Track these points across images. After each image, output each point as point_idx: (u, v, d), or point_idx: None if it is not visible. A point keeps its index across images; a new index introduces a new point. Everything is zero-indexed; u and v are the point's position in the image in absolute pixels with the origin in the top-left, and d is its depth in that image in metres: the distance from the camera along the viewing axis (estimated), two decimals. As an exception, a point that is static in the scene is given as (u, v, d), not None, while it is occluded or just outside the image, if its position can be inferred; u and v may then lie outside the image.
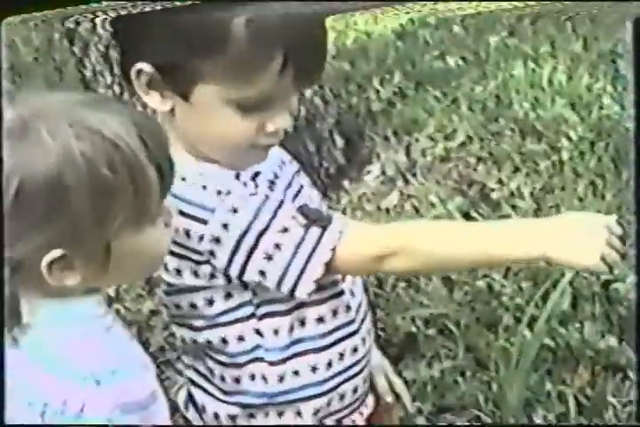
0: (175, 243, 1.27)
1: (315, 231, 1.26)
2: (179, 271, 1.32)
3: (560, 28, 3.89)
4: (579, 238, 1.17)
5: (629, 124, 3.53)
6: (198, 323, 1.37)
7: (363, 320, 1.43)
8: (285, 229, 1.25)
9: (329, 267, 1.26)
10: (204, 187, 1.26)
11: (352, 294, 1.41)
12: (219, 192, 1.26)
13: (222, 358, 1.38)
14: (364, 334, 1.43)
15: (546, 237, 1.19)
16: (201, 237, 1.27)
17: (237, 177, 1.30)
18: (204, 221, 1.26)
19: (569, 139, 3.26)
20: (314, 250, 1.26)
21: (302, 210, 1.28)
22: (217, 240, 1.26)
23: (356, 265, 1.28)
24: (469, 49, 3.94)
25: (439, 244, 1.26)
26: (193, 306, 1.35)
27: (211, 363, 1.40)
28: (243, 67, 1.20)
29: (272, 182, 1.35)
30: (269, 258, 1.26)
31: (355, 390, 1.44)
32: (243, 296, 1.34)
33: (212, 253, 1.27)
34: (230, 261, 1.27)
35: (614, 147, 3.17)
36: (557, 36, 3.92)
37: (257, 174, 1.34)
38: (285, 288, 1.27)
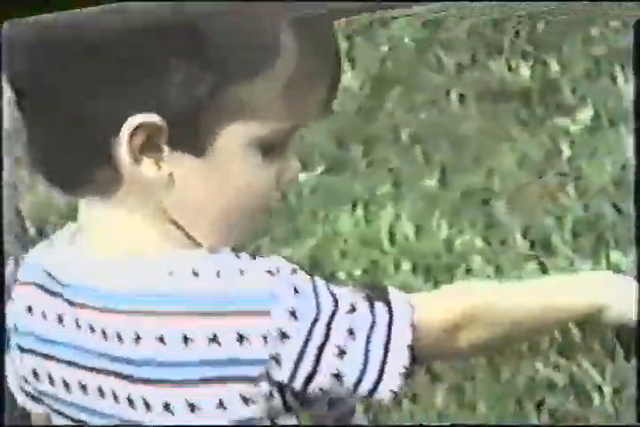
0: (210, 364, 1.14)
1: (380, 306, 1.15)
2: (222, 404, 1.16)
3: (401, 152, 3.64)
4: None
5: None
6: None
7: None
8: (353, 309, 1.14)
9: (413, 350, 1.18)
10: (242, 272, 1.13)
11: None
12: (269, 272, 1.14)
13: None
14: None
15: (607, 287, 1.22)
16: (264, 338, 1.12)
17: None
18: (266, 313, 1.13)
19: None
20: (389, 330, 1.14)
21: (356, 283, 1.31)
22: (284, 336, 1.13)
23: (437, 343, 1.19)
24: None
25: (517, 304, 1.20)
26: None
27: None
28: (298, 83, 1.13)
29: None
30: (342, 352, 1.12)
31: None
32: (285, 421, 1.20)
33: (276, 359, 1.13)
34: (298, 363, 1.12)
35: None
36: (401, 164, 3.63)
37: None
38: (364, 389, 1.14)
